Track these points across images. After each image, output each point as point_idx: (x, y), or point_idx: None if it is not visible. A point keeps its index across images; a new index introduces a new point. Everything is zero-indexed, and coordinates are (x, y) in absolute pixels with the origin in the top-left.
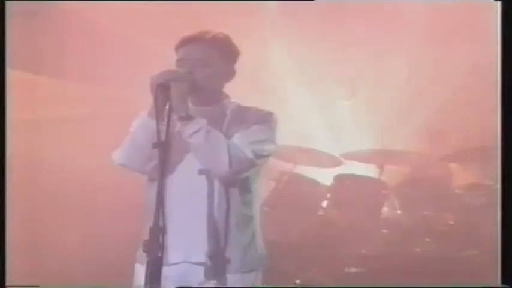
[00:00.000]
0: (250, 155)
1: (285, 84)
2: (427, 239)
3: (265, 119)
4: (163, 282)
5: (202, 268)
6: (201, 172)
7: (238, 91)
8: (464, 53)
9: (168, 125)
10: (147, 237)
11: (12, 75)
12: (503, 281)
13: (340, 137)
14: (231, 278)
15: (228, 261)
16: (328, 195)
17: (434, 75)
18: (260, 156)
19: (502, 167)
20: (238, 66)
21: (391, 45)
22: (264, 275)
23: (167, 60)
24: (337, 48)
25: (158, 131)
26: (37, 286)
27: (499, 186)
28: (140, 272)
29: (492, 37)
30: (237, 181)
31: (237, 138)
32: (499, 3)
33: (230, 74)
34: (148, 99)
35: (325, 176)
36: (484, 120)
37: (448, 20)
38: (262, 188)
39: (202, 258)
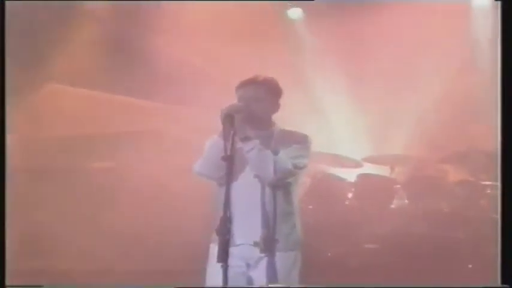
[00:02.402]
0: (291, 167)
1: (315, 100)
2: (427, 223)
3: (302, 140)
4: (231, 258)
5: (257, 248)
6: (255, 177)
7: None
8: (456, 68)
9: (233, 143)
10: (218, 225)
11: (74, 92)
12: (503, 281)
13: (361, 144)
14: (278, 255)
15: (275, 243)
16: (352, 189)
17: (434, 91)
18: (298, 167)
19: (502, 171)
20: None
21: (398, 58)
22: (303, 252)
23: (218, 84)
24: (351, 64)
25: (225, 148)
26: (38, 286)
27: (499, 190)
28: (213, 249)
29: (486, 44)
30: (281, 186)
31: (282, 154)
32: (499, 3)
33: (276, 107)
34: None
35: (350, 175)
36: (470, 130)
37: (445, 31)
38: (302, 186)
39: (257, 239)
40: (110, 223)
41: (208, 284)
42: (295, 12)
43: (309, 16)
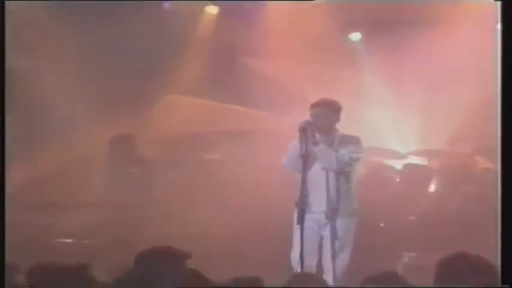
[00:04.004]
0: (347, 160)
1: (369, 107)
2: (458, 202)
3: (356, 141)
4: (308, 222)
5: (324, 215)
6: (323, 169)
7: None
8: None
9: (306, 146)
10: (297, 199)
11: (188, 100)
12: (503, 281)
13: (406, 140)
14: (339, 221)
15: (338, 211)
16: (399, 175)
17: (471, 96)
18: (353, 160)
19: (502, 174)
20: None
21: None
22: (362, 223)
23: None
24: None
25: (301, 149)
26: (34, 286)
27: (499, 193)
28: (295, 216)
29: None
30: (342, 173)
31: (341, 151)
32: (499, 3)
33: (337, 119)
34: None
35: (397, 164)
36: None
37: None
38: (359, 173)
39: (325, 209)
40: (222, 199)
41: (293, 238)
42: (355, 36)
43: (368, 38)
